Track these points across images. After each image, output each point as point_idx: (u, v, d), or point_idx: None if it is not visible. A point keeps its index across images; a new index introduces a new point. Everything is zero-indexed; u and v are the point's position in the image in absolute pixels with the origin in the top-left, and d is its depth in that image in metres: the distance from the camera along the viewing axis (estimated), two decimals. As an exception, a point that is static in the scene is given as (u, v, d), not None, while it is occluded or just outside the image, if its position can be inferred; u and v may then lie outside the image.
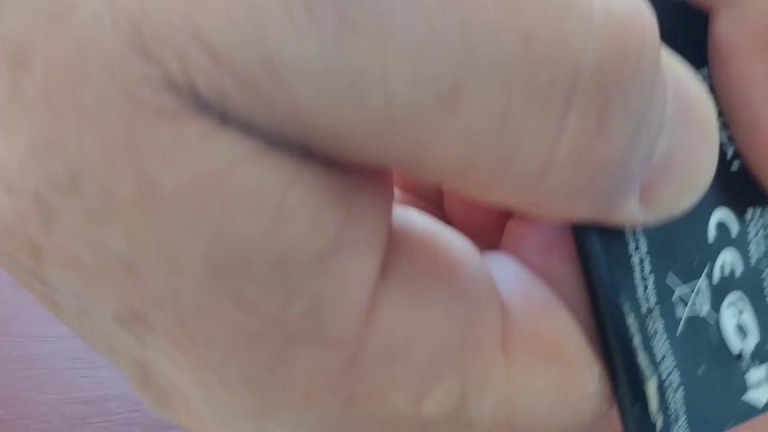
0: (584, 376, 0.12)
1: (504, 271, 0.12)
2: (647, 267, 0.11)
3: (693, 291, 0.11)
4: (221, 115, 0.08)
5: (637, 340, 0.11)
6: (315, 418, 0.10)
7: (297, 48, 0.08)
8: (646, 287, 0.11)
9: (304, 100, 0.08)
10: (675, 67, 0.11)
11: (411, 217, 0.12)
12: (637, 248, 0.11)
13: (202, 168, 0.08)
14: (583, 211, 0.10)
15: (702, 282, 0.12)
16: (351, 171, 0.10)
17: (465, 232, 0.12)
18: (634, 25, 0.09)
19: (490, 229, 0.14)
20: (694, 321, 0.11)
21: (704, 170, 0.11)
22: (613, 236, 0.11)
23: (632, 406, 0.11)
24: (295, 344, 0.10)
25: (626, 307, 0.11)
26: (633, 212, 0.11)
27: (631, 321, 0.11)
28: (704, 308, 0.12)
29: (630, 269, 0.11)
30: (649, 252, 0.11)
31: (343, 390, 0.10)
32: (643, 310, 0.11)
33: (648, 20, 0.09)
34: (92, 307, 0.10)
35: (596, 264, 0.11)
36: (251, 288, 0.09)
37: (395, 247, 0.11)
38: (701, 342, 0.12)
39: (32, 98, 0.08)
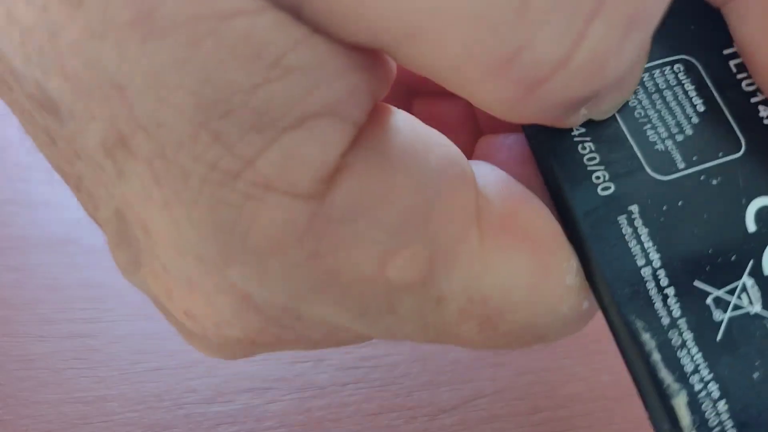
0: (561, 266, 0.12)
1: (482, 168, 0.13)
2: (664, 280, 0.11)
3: (734, 291, 0.11)
4: None
5: (656, 357, 0.10)
6: (278, 268, 0.11)
7: None
8: (665, 300, 0.10)
9: None
10: None
11: (393, 109, 0.12)
12: (647, 263, 0.11)
13: (204, 8, 0.09)
14: (552, 116, 0.11)
15: (745, 280, 0.11)
16: (354, 49, 0.10)
17: None
18: None
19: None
20: (742, 321, 0.10)
21: (636, 79, 0.12)
22: (619, 256, 0.11)
23: (661, 424, 0.10)
24: (264, 189, 0.10)
25: (638, 326, 0.10)
26: (580, 116, 0.12)
27: (647, 338, 0.10)
28: (755, 306, 0.11)
29: (641, 284, 0.11)
30: (663, 265, 0.11)
31: (308, 241, 0.10)
32: (664, 323, 0.10)
33: None
34: (83, 132, 0.10)
35: (603, 287, 0.11)
36: (231, 130, 0.09)
37: (374, 121, 0.11)
38: (752, 344, 0.10)
39: None
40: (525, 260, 0.12)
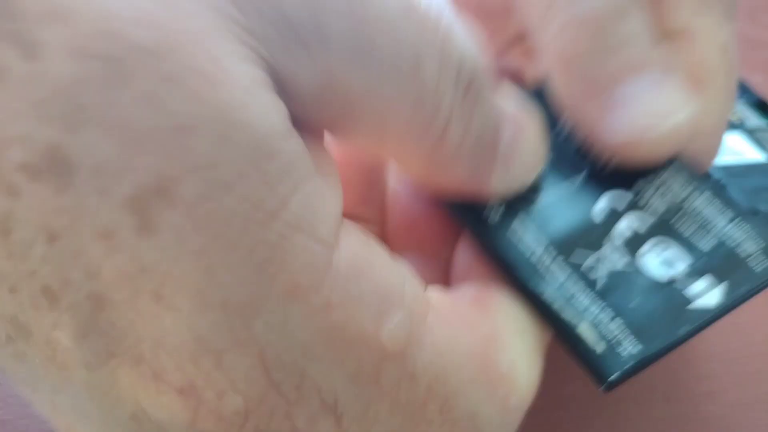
0: (497, 354, 0.14)
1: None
2: (553, 255, 0.15)
3: (598, 259, 0.15)
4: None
5: (557, 305, 0.15)
6: (299, 316, 0.11)
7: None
8: (554, 270, 0.15)
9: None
10: (511, 103, 0.15)
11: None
12: (534, 248, 0.15)
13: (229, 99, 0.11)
14: (465, 171, 0.14)
15: (606, 249, 0.15)
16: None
17: None
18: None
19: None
20: (614, 275, 0.15)
21: (537, 151, 0.16)
22: (520, 252, 0.15)
23: (576, 348, 0.14)
24: (294, 229, 0.11)
25: (540, 288, 0.15)
26: (499, 184, 0.15)
27: (548, 294, 0.15)
28: (620, 263, 0.15)
29: (534, 264, 0.15)
30: (550, 243, 0.15)
31: (324, 290, 0.11)
32: (556, 284, 0.15)
33: None
34: (108, 190, 0.10)
35: (516, 272, 0.15)
36: (276, 170, 0.11)
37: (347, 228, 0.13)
38: (626, 286, 0.15)
39: None
40: (468, 345, 0.13)
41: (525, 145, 0.15)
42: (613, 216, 0.15)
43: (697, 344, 0.23)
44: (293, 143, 0.11)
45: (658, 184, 0.16)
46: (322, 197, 0.12)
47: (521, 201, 0.16)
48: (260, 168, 0.11)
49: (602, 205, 0.16)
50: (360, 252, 0.12)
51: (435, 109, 0.13)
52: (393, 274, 0.13)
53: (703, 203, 0.15)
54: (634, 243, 0.15)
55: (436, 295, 0.14)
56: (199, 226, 0.10)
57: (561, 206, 0.16)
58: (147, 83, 0.10)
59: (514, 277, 0.15)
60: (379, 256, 0.13)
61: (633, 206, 0.15)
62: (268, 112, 0.11)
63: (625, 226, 0.15)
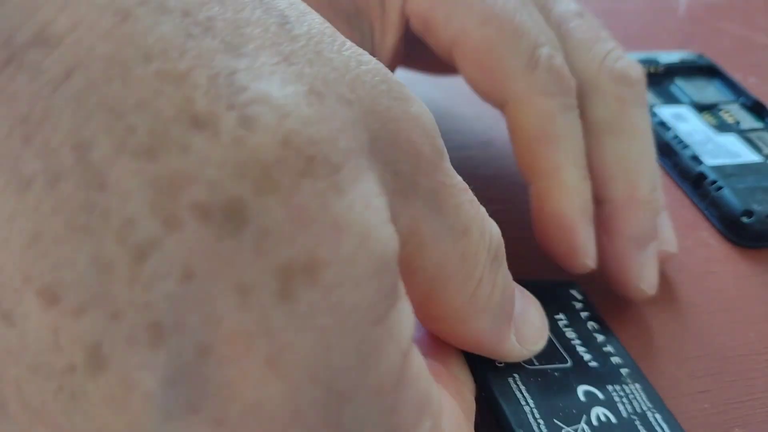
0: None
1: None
2: (537, 413, 0.18)
3: (576, 430, 0.18)
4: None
5: None
6: (374, 416, 0.13)
7: None
8: (539, 425, 0.18)
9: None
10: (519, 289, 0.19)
11: None
12: (527, 403, 0.18)
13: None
14: (485, 328, 0.17)
15: (583, 425, 0.18)
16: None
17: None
18: None
19: None
20: None
21: (542, 325, 0.19)
22: (510, 397, 0.18)
23: None
24: (388, 338, 0.13)
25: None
26: (513, 345, 0.18)
27: None
28: None
29: (525, 415, 0.18)
30: (535, 405, 0.18)
31: (393, 393, 0.13)
32: None
33: None
34: (269, 248, 0.11)
35: (504, 416, 0.18)
36: (386, 282, 0.13)
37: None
38: None
39: None
40: None
41: (532, 316, 0.19)
42: (592, 401, 0.19)
43: (693, 343, 0.24)
44: (397, 268, 0.13)
45: (625, 393, 0.20)
46: (407, 315, 0.13)
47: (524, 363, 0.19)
48: (380, 279, 0.12)
49: (583, 389, 0.19)
50: (416, 362, 0.14)
51: (474, 265, 0.16)
52: (429, 382, 0.14)
53: (656, 420, 0.19)
54: (606, 428, 0.18)
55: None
56: (330, 308, 0.12)
57: (553, 378, 0.19)
58: (326, 189, 0.12)
59: (504, 415, 0.18)
60: (423, 364, 0.15)
61: (605, 404, 0.19)
62: (393, 239, 0.13)
63: (601, 412, 0.19)
